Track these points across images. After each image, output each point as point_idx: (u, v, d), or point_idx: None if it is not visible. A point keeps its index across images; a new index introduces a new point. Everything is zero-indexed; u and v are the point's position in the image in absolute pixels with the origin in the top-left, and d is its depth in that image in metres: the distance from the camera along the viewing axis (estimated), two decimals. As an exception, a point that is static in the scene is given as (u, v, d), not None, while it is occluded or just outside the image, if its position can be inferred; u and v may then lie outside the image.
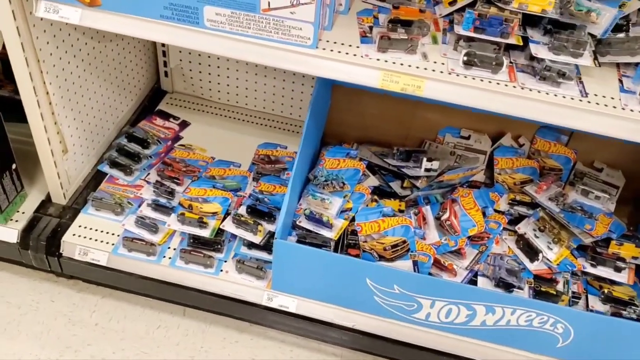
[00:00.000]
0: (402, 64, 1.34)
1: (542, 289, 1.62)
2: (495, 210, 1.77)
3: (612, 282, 1.69)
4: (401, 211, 1.81)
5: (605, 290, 1.66)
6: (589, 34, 1.37)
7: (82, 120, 1.83)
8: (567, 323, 1.51)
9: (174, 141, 2.10)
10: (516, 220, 1.78)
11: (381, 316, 1.64)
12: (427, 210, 1.74)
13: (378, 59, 1.34)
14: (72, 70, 1.72)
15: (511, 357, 1.62)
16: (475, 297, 1.51)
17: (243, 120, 2.25)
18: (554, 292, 1.61)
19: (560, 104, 1.28)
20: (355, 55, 1.35)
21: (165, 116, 2.20)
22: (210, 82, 2.26)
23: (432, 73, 1.32)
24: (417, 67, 1.33)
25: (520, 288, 1.59)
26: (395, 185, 1.88)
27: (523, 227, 1.73)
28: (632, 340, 1.50)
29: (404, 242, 1.60)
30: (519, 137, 1.96)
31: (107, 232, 1.77)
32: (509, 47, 1.38)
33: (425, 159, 1.83)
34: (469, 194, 1.75)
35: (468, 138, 1.94)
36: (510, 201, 1.80)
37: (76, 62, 1.73)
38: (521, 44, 1.34)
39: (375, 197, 1.79)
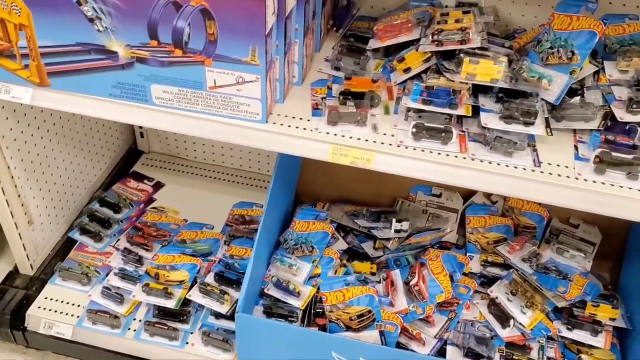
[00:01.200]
0: (351, 137, 1.32)
1: (515, 358, 1.56)
2: (466, 274, 1.73)
3: (591, 346, 1.63)
4: (373, 274, 1.78)
5: (583, 356, 1.60)
6: (544, 100, 1.35)
7: (49, 190, 1.84)
8: (539, 395, 1.45)
9: (147, 204, 2.10)
10: (490, 281, 1.74)
11: (349, 388, 1.59)
12: (396, 274, 1.70)
13: (328, 133, 1.33)
14: (36, 143, 1.73)
15: None
16: (441, 369, 1.47)
17: (219, 179, 2.25)
18: (527, 361, 1.56)
19: (511, 175, 1.25)
20: (305, 129, 1.34)
21: (140, 178, 2.20)
22: (185, 141, 2.26)
23: (381, 146, 1.31)
24: (367, 140, 1.32)
25: (490, 358, 1.54)
26: (367, 247, 1.85)
27: (496, 291, 1.68)
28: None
29: (370, 312, 1.56)
30: (492, 194, 1.93)
31: (74, 304, 1.75)
32: (463, 115, 1.36)
33: (394, 220, 1.80)
34: (438, 258, 1.71)
35: (440, 196, 1.92)
36: (482, 263, 1.76)
37: (41, 134, 1.74)
38: (470, 114, 1.32)
39: (345, 261, 1.76)
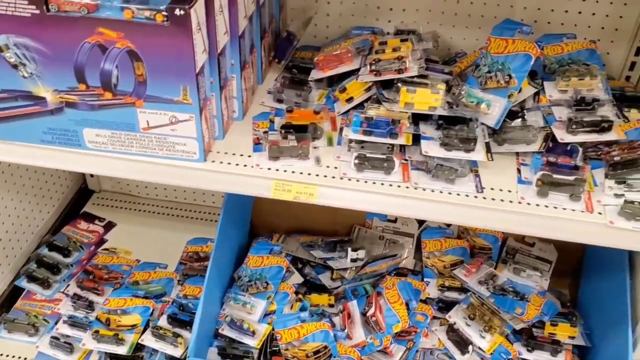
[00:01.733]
0: (293, 172, 1.30)
1: (474, 384, 1.54)
2: (423, 300, 1.70)
3: (551, 366, 1.62)
4: (331, 305, 1.75)
5: (543, 378, 1.59)
6: (484, 124, 1.34)
7: (-8, 238, 1.77)
8: (500, 422, 1.43)
9: (98, 245, 2.04)
10: (448, 306, 1.72)
11: None
12: (353, 305, 1.67)
13: (269, 168, 1.31)
14: (-27, 191, 1.66)
15: None
16: (400, 403, 1.44)
17: (172, 215, 2.20)
18: (486, 387, 1.53)
19: (453, 203, 1.24)
20: (246, 165, 1.31)
21: (90, 218, 2.14)
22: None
23: (323, 179, 1.28)
24: (309, 174, 1.30)
25: (449, 386, 1.52)
26: (324, 278, 1.82)
27: (454, 316, 1.66)
28: None
29: (326, 347, 1.53)
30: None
31: (20, 357, 1.67)
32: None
33: (350, 249, 1.77)
34: (394, 286, 1.68)
35: (395, 221, 1.90)
36: (440, 287, 1.74)
37: (-22, 182, 1.68)
38: (410, 143, 1.31)
39: (302, 294, 1.72)
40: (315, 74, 1.52)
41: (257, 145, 1.36)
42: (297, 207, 1.95)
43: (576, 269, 1.85)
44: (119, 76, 1.18)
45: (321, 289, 1.80)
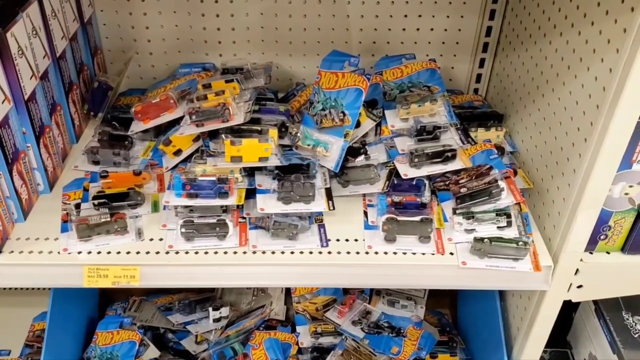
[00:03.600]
0: (109, 252, 1.11)
1: None
2: (297, 353, 1.57)
3: (436, 403, 1.54)
4: (198, 373, 1.57)
5: (428, 417, 1.50)
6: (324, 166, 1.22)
7: None
8: None
9: None
10: (325, 352, 1.59)
11: None
12: (218, 374, 1.51)
13: (79, 252, 1.11)
14: None
15: None
16: None
17: (15, 289, 1.92)
18: None
19: (296, 264, 1.11)
20: (51, 252, 1.11)
21: None
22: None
23: (146, 257, 1.11)
24: (129, 252, 1.11)
25: None
26: (188, 343, 1.63)
27: (329, 365, 1.54)
28: None
29: None
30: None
31: None
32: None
33: (211, 309, 1.60)
34: (260, 345, 1.53)
35: (261, 267, 1.75)
36: (313, 334, 1.61)
37: None
38: (242, 203, 1.16)
39: (162, 367, 1.54)
40: (135, 127, 1.33)
41: (65, 223, 1.15)
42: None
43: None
44: None
45: (186, 355, 1.62)
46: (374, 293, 1.73)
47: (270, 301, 1.69)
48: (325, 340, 1.62)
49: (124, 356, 1.51)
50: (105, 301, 1.76)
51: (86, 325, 1.63)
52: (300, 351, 1.61)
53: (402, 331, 1.58)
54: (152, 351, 1.57)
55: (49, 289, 1.53)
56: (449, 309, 1.85)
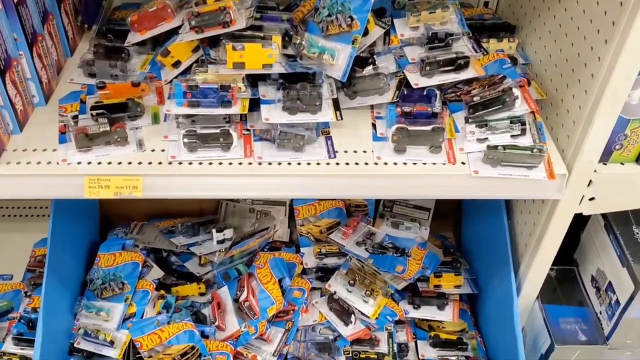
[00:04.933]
0: (110, 163, 1.08)
1: (362, 356, 1.43)
2: (300, 274, 1.56)
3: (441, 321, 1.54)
4: (202, 294, 1.57)
5: (432, 334, 1.51)
6: (331, 77, 1.17)
7: None
8: (390, 394, 1.33)
9: None
10: (330, 272, 1.58)
11: None
12: (223, 293, 1.50)
13: (79, 163, 1.07)
14: None
15: None
16: (281, 396, 1.30)
17: (14, 215, 1.90)
18: (375, 356, 1.43)
19: (304, 175, 1.07)
20: (50, 162, 1.07)
21: None
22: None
23: (148, 167, 1.07)
24: (130, 163, 1.08)
25: (334, 365, 1.40)
26: (192, 265, 1.62)
27: (333, 284, 1.53)
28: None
29: (193, 347, 1.35)
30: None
31: None
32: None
33: (214, 230, 1.58)
34: (265, 264, 1.52)
35: (264, 190, 1.72)
36: (317, 255, 1.61)
37: None
38: (246, 112, 1.11)
39: (162, 292, 1.52)
40: (131, 38, 1.27)
41: (62, 135, 1.11)
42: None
43: (457, 209, 1.78)
44: None
45: (190, 277, 1.61)
46: (377, 216, 1.71)
47: (274, 224, 1.67)
48: (330, 261, 1.61)
49: (128, 277, 1.50)
50: (106, 226, 1.74)
51: (88, 248, 1.61)
52: (304, 272, 1.60)
53: (406, 251, 1.57)
54: (156, 272, 1.57)
55: (48, 215, 1.52)
56: (452, 232, 1.84)
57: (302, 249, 1.64)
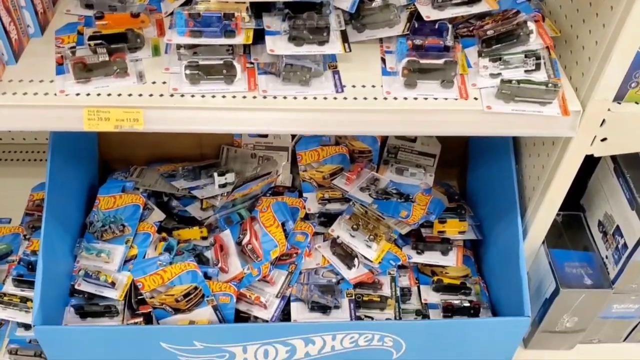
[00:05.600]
0: (109, 95, 1.04)
1: (364, 299, 1.42)
2: (303, 218, 1.54)
3: (444, 266, 1.53)
4: (204, 238, 1.55)
5: (435, 279, 1.50)
6: (339, 9, 1.13)
7: None
8: (393, 335, 1.33)
9: None
10: (332, 219, 1.57)
11: (194, 373, 1.39)
12: (226, 236, 1.49)
13: (78, 94, 1.03)
14: None
15: (350, 378, 1.44)
16: (283, 333, 1.30)
17: (12, 160, 1.87)
18: (378, 299, 1.42)
19: (310, 109, 1.04)
20: (47, 94, 1.03)
21: None
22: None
23: (149, 99, 1.04)
24: (130, 95, 1.04)
25: (337, 307, 1.39)
26: (193, 209, 1.60)
27: (336, 229, 1.52)
28: (462, 334, 1.35)
29: (196, 288, 1.34)
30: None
31: None
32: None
33: (216, 174, 1.56)
34: (268, 208, 1.50)
35: (266, 135, 1.68)
36: (320, 201, 1.58)
37: None
38: (251, 42, 1.07)
39: (164, 234, 1.51)
40: (130, -34, 1.21)
41: (60, 66, 1.07)
42: (152, 133, 1.70)
43: (462, 158, 1.75)
44: None
45: (191, 221, 1.59)
46: (381, 162, 1.69)
47: (276, 169, 1.65)
48: (333, 207, 1.59)
49: (128, 219, 1.48)
50: (105, 171, 1.71)
51: (87, 192, 1.59)
52: (307, 217, 1.59)
53: (410, 197, 1.55)
54: (157, 214, 1.54)
55: (46, 160, 1.49)
56: (456, 181, 1.81)
57: (304, 195, 1.61)
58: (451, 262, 1.51)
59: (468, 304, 1.44)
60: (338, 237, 1.49)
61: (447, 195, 1.63)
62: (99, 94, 1.03)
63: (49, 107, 1.02)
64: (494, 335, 1.35)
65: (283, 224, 1.46)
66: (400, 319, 1.42)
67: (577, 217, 1.45)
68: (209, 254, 1.47)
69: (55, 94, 1.03)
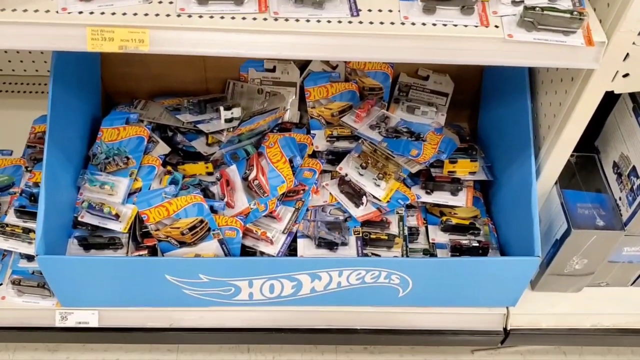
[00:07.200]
0: (114, 13, 0.99)
1: (372, 237, 1.41)
2: (311, 155, 1.51)
3: (453, 206, 1.51)
4: (210, 173, 1.54)
5: (444, 219, 1.48)
6: None
7: None
8: (400, 273, 1.32)
9: None
10: (340, 156, 1.54)
11: (200, 307, 1.39)
12: (232, 171, 1.46)
13: (81, 12, 0.99)
14: None
15: (355, 316, 1.44)
16: (290, 268, 1.29)
17: (13, 92, 1.83)
18: (385, 237, 1.41)
19: (324, 33, 0.99)
20: (49, 11, 0.99)
21: None
22: (-43, 52, 1.80)
23: (156, 19, 0.99)
24: (136, 14, 0.99)
25: (344, 244, 1.37)
26: (199, 144, 1.57)
27: (345, 167, 1.49)
28: (470, 274, 1.34)
29: (202, 221, 1.32)
30: (331, 57, 1.67)
31: None
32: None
33: (222, 108, 1.52)
34: (275, 143, 1.47)
35: (273, 70, 1.64)
36: (328, 138, 1.55)
37: None
38: (261, -40, 1.01)
39: (169, 167, 1.48)
40: None
41: (61, -18, 1.02)
42: (158, 64, 1.66)
43: (474, 100, 1.71)
44: None
45: (197, 156, 1.56)
46: (392, 101, 1.64)
47: (284, 105, 1.61)
48: (341, 145, 1.56)
49: (133, 151, 1.45)
50: (108, 105, 1.67)
51: (90, 124, 1.55)
52: (314, 155, 1.55)
53: (421, 136, 1.52)
54: (162, 147, 1.52)
55: (47, 92, 1.45)
56: (467, 123, 1.78)
57: (312, 132, 1.58)
58: (461, 202, 1.49)
59: (477, 244, 1.42)
60: (346, 175, 1.47)
61: (458, 137, 1.59)
62: (102, 13, 0.98)
63: (50, 25, 0.97)
64: (503, 276, 1.34)
65: (290, 160, 1.43)
66: (407, 257, 1.41)
67: (591, 159, 1.42)
68: (215, 189, 1.45)
69: (57, 12, 0.98)
